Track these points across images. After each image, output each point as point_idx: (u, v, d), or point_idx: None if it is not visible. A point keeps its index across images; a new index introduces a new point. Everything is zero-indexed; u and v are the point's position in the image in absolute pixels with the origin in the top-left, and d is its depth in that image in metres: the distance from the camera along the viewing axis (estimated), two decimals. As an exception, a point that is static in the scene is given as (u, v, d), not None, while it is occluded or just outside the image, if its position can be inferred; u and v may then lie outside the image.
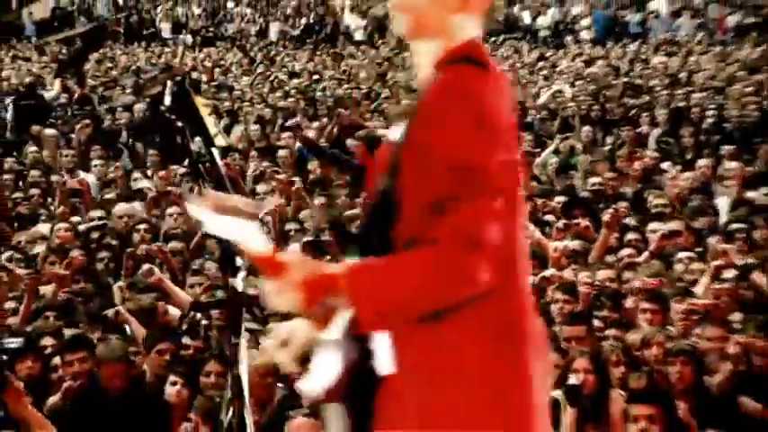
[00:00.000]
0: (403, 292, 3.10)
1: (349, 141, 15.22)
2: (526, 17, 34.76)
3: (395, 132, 3.40)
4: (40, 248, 10.49)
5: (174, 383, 7.15)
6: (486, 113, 3.14)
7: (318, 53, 32.39)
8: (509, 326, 3.22)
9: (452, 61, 3.27)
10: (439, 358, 3.18)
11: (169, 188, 12.45)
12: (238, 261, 4.46)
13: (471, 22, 3.29)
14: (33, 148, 16.00)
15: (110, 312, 8.32)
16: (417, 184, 3.14)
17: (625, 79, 22.01)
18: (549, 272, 8.78)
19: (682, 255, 9.44)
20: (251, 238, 3.19)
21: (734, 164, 12.99)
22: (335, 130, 16.60)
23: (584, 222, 10.54)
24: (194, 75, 24.73)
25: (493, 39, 31.81)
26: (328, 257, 9.10)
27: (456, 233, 3.04)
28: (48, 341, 7.88)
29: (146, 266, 9.14)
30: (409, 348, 3.20)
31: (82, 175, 13.89)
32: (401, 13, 3.32)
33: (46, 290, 9.19)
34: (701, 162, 13.45)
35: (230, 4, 42.98)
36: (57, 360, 7.58)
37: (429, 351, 3.18)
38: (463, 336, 3.17)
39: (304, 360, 3.37)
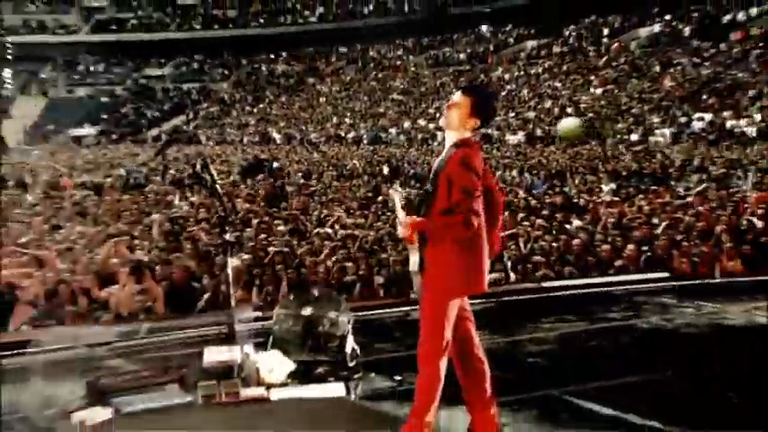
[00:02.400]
0: (449, 229, 3.64)
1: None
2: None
3: (435, 165, 3.80)
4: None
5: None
6: (475, 168, 3.66)
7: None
8: (475, 243, 3.73)
9: (462, 145, 3.75)
10: (448, 255, 3.70)
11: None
12: (227, 235, 5.10)
13: (469, 130, 3.79)
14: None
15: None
16: (447, 191, 3.64)
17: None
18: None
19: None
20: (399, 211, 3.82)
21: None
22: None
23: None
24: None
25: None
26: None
27: (470, 208, 3.60)
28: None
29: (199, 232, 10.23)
30: (437, 251, 3.71)
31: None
32: (449, 120, 3.81)
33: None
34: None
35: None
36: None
37: (445, 253, 3.69)
38: (458, 247, 3.69)
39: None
